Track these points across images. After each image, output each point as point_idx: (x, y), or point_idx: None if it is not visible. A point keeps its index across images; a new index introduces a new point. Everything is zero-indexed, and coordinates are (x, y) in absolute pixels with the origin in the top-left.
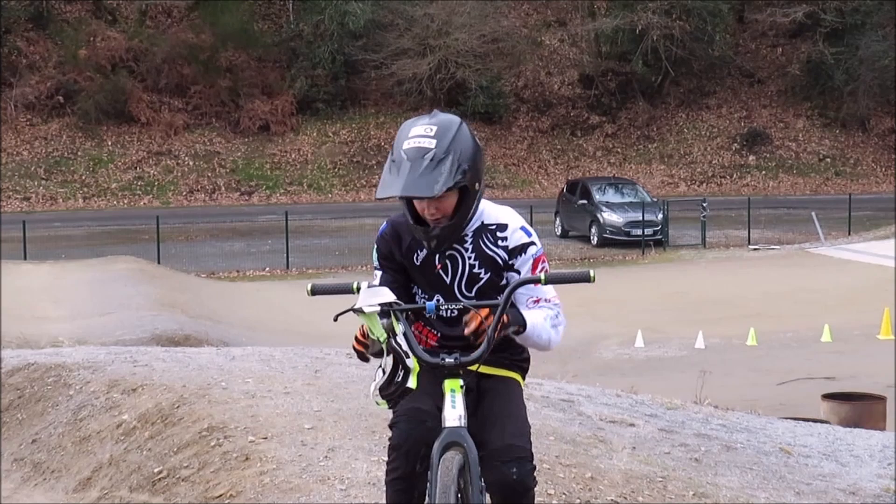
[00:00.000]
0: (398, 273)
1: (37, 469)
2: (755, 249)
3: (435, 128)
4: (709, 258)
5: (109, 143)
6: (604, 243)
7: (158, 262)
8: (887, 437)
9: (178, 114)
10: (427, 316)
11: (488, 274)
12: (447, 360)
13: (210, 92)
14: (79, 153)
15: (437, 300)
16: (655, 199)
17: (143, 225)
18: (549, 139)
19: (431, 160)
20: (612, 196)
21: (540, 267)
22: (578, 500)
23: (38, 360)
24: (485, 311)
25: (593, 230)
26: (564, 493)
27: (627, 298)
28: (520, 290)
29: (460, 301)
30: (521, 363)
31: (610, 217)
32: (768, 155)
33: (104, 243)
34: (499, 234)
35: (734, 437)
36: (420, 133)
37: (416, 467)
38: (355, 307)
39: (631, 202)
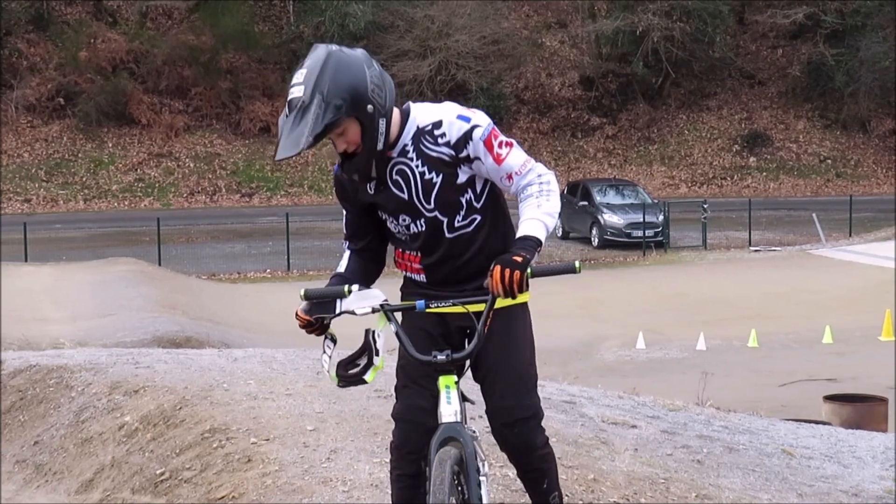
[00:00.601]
0: (360, 211)
1: (39, 471)
2: (756, 251)
3: (304, 71)
4: (710, 260)
5: (110, 145)
6: (605, 245)
7: (159, 264)
8: (889, 439)
9: (178, 115)
10: (416, 304)
11: (440, 176)
12: (439, 357)
13: (210, 94)
14: (79, 155)
15: (425, 301)
16: (656, 201)
17: (144, 227)
18: (550, 141)
19: (298, 110)
20: (612, 197)
21: (497, 143)
22: (581, 502)
23: (39, 362)
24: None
25: (594, 232)
26: (567, 495)
27: (628, 300)
28: (488, 168)
29: (424, 216)
30: (475, 283)
31: (611, 219)
32: (769, 156)
33: (105, 245)
34: (436, 132)
35: (736, 439)
36: (294, 81)
37: (419, 467)
38: (347, 310)
39: (632, 204)
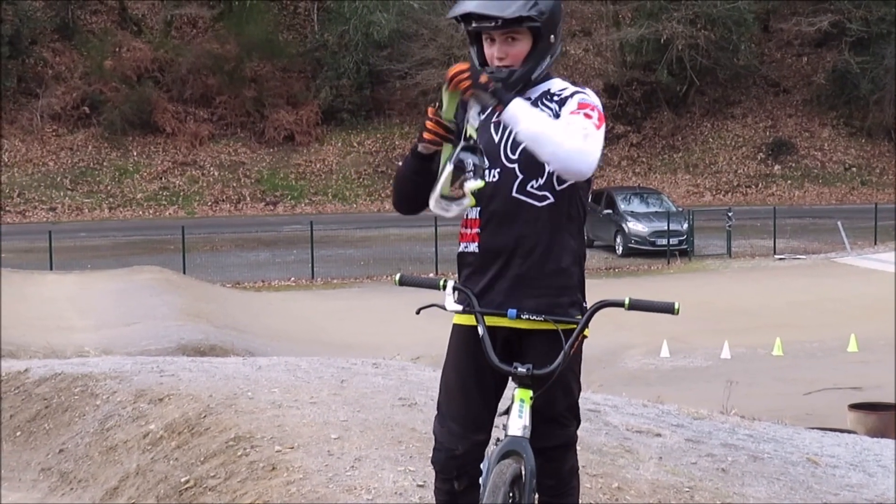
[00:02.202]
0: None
1: (64, 479)
2: (781, 259)
3: None
4: (734, 268)
5: (135, 154)
6: (629, 253)
7: (184, 273)
8: None
9: (203, 124)
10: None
11: None
12: (520, 369)
13: (235, 102)
14: (104, 163)
15: (517, 311)
16: (680, 209)
17: (169, 235)
18: None
19: None
20: (637, 206)
21: (587, 106)
22: None
23: (64, 370)
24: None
25: (618, 240)
26: None
27: None
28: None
29: (503, 165)
30: (560, 300)
31: (635, 227)
32: (794, 164)
33: (130, 253)
34: (556, 93)
35: (761, 447)
36: None
37: (452, 486)
38: (438, 304)
39: (656, 212)
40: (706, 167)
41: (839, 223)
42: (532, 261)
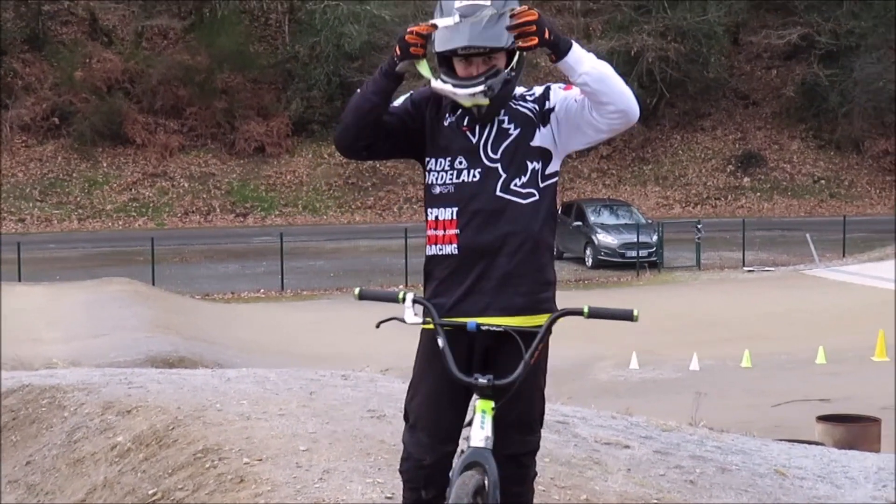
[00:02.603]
0: (411, 129)
1: (31, 491)
2: (750, 271)
3: None
4: (703, 280)
5: (105, 165)
6: (599, 265)
7: (153, 284)
8: (882, 459)
9: (173, 135)
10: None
11: (518, 130)
12: (480, 380)
13: (206, 113)
14: (74, 175)
15: (477, 323)
16: (650, 221)
17: (138, 246)
18: None
19: (492, 16)
20: (606, 218)
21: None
22: None
23: (32, 382)
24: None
25: (588, 252)
26: None
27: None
28: (567, 106)
29: (484, 165)
30: (542, 296)
31: (605, 239)
32: (763, 177)
33: (99, 265)
34: (527, 94)
35: (729, 459)
36: None
37: (419, 495)
38: (398, 317)
39: (626, 224)
40: (676, 179)
41: (808, 235)
42: (518, 259)
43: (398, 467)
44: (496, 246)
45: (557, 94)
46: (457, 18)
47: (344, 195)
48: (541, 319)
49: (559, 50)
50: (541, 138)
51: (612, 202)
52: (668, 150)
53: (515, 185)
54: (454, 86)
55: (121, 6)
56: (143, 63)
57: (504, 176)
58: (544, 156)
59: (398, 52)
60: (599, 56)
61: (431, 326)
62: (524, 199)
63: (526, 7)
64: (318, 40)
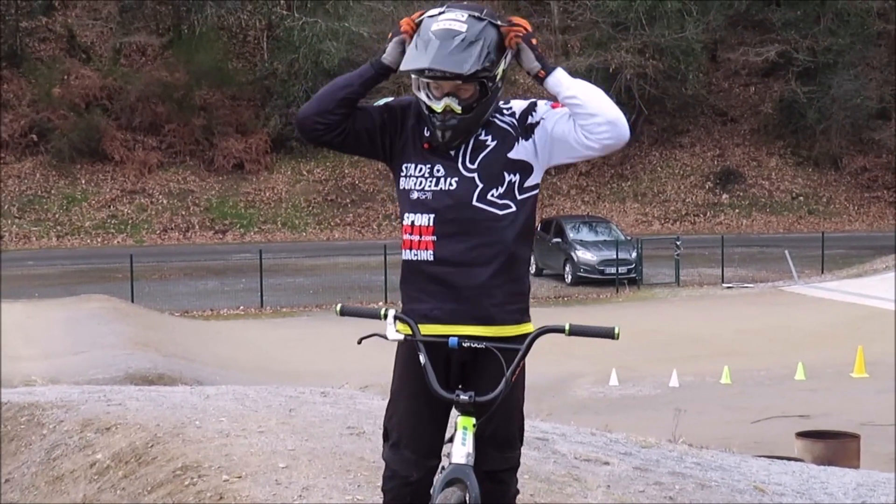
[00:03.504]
0: (379, 130)
1: None
2: (729, 288)
3: (466, 14)
4: (683, 296)
5: (83, 182)
6: (578, 282)
7: (132, 301)
8: (861, 475)
9: (152, 152)
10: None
11: (495, 141)
12: (462, 397)
13: (184, 130)
14: (52, 191)
15: (458, 339)
16: (629, 238)
17: (117, 263)
18: None
19: (462, 41)
20: (585, 234)
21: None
22: None
23: (10, 399)
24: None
25: (567, 268)
26: None
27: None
28: (555, 122)
29: (461, 174)
30: (515, 307)
31: (584, 255)
32: (741, 193)
33: (78, 282)
34: (504, 108)
35: (708, 476)
36: (451, 17)
37: None
38: (380, 333)
39: (605, 240)
40: (655, 196)
41: (786, 252)
42: (493, 269)
43: (381, 486)
44: (471, 255)
45: (544, 108)
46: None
47: (323, 212)
48: (513, 330)
49: (547, 66)
50: (520, 151)
51: (592, 219)
52: (646, 166)
53: (492, 195)
54: (427, 96)
55: (99, 23)
56: (121, 80)
57: (481, 186)
58: (523, 168)
59: (390, 36)
60: (576, 74)
61: (410, 332)
62: (500, 209)
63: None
64: (297, 57)
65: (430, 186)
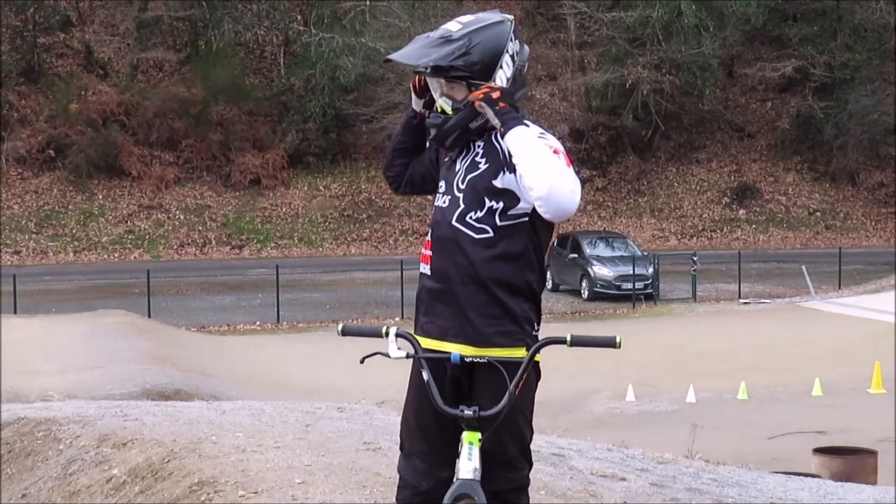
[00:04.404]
0: (434, 166)
1: None
2: (746, 303)
3: (473, 17)
4: (699, 312)
5: (100, 197)
6: (594, 297)
7: (149, 316)
8: (878, 492)
9: (169, 167)
10: (443, 360)
11: (487, 165)
12: (466, 412)
13: (201, 146)
14: (70, 207)
15: (461, 355)
16: (646, 253)
17: (134, 279)
18: None
19: (441, 38)
20: (602, 250)
21: (544, 139)
22: None
23: (28, 415)
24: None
25: (584, 284)
26: None
27: (618, 352)
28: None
29: (453, 193)
30: (491, 329)
31: (601, 271)
32: (758, 209)
33: (95, 297)
34: None
35: (725, 492)
36: (456, 19)
37: None
38: (382, 352)
39: (621, 256)
40: (671, 211)
41: (804, 267)
42: (468, 290)
43: (395, 497)
44: (451, 273)
45: None
46: None
47: (340, 227)
48: (498, 352)
49: (507, 124)
50: (505, 180)
51: (608, 234)
52: (663, 182)
53: (470, 217)
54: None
55: (116, 39)
56: (138, 95)
57: (462, 207)
58: (507, 196)
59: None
60: (593, 90)
61: (429, 343)
62: (476, 233)
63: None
64: (314, 73)
65: (436, 202)
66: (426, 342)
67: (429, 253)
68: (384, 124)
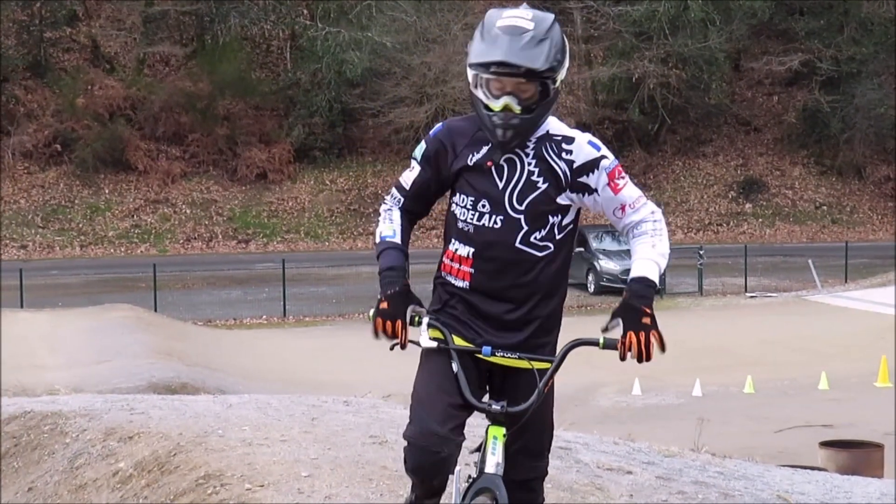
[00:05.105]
0: (438, 177)
1: None
2: (752, 297)
3: (532, 13)
4: (706, 306)
5: (107, 192)
6: (601, 291)
7: (155, 310)
8: (885, 485)
9: (175, 162)
10: (482, 354)
11: (546, 185)
12: (493, 406)
13: (207, 140)
14: (76, 201)
15: (492, 348)
16: None
17: (141, 273)
18: None
19: (532, 38)
20: (608, 244)
21: (619, 175)
22: None
23: (34, 408)
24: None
25: (590, 278)
26: None
27: None
28: (602, 200)
29: (507, 214)
30: (542, 340)
31: (607, 265)
32: (765, 203)
33: (101, 291)
34: (564, 146)
35: (732, 485)
36: (516, 14)
37: (433, 488)
38: (413, 340)
39: (628, 250)
40: (678, 205)
41: (810, 261)
42: (526, 308)
43: (404, 467)
44: (508, 293)
45: (601, 178)
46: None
47: (346, 221)
48: (537, 363)
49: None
50: (565, 198)
51: (615, 228)
52: (669, 176)
53: (535, 238)
54: (485, 94)
55: (122, 33)
56: (144, 90)
57: (525, 229)
58: (564, 210)
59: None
60: (599, 83)
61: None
62: (540, 251)
63: (634, 346)
64: (320, 67)
65: (472, 220)
66: (460, 341)
67: (469, 270)
68: (390, 118)
